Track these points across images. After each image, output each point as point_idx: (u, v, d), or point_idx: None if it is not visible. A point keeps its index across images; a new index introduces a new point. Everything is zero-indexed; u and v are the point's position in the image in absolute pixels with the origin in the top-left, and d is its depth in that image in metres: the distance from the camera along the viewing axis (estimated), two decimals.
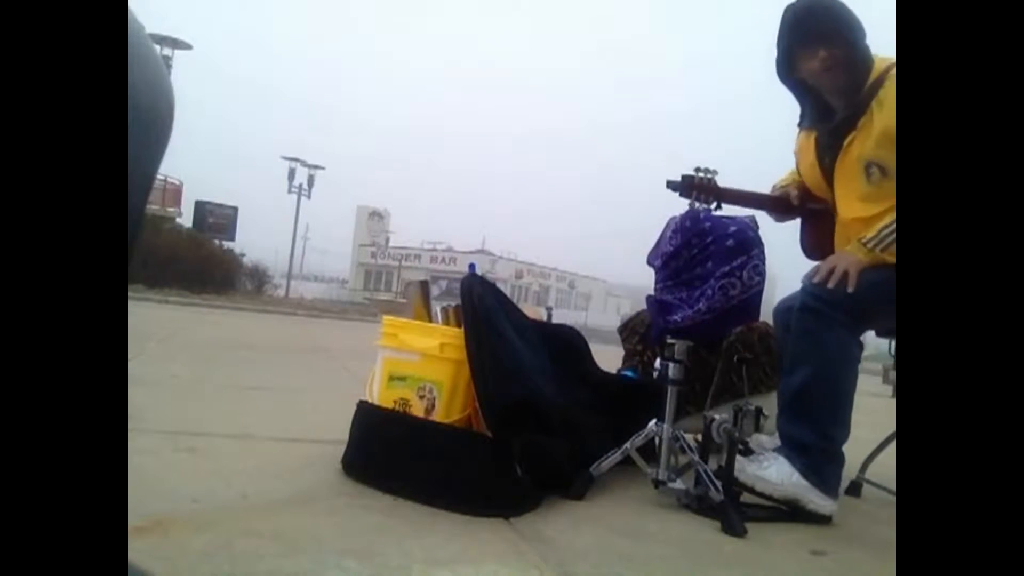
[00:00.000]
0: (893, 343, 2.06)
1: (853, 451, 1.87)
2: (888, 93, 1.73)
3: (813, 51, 1.77)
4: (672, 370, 1.75)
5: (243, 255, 21.45)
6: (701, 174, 1.85)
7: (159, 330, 5.82)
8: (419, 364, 1.75)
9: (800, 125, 1.98)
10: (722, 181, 1.85)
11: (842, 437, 1.76)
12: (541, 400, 1.74)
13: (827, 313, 1.71)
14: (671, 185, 1.87)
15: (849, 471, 1.96)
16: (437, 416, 1.70)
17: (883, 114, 1.73)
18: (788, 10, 1.81)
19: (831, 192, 1.90)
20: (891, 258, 1.68)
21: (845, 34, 1.75)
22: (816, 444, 1.72)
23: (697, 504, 1.68)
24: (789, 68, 1.84)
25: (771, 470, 1.72)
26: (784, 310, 1.92)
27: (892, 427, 1.95)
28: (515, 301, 2.01)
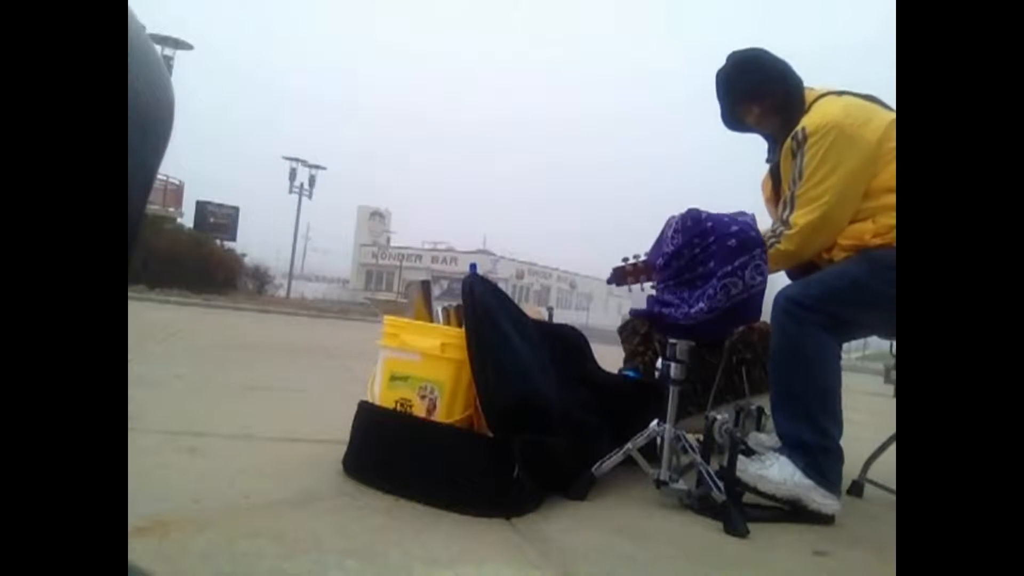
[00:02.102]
0: (894, 343, 2.06)
1: (855, 451, 1.87)
2: (807, 119, 1.89)
3: (747, 108, 2.01)
4: (673, 370, 1.75)
5: (244, 255, 21.43)
6: (632, 261, 2.05)
7: (160, 330, 5.82)
8: (420, 364, 1.74)
9: (767, 161, 2.14)
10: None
11: (837, 431, 1.79)
12: (542, 400, 1.74)
13: (802, 316, 1.79)
14: (610, 281, 2.10)
15: (851, 471, 1.96)
16: (438, 416, 1.69)
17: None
18: (718, 75, 2.07)
19: None
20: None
21: (770, 87, 2.00)
22: (815, 441, 1.75)
23: (699, 505, 1.68)
24: (735, 122, 2.10)
25: (773, 469, 1.73)
26: None
27: (894, 427, 1.95)
28: (516, 301, 2.01)
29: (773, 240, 1.86)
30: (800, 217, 1.83)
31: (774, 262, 1.86)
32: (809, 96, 1.98)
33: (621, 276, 2.02)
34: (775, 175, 2.04)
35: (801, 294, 1.82)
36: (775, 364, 1.85)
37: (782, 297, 1.85)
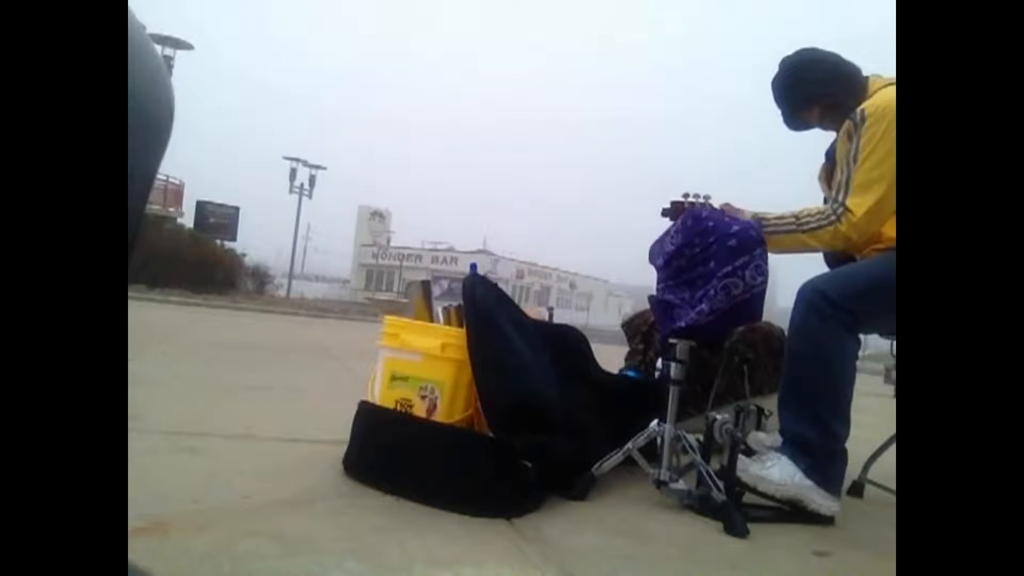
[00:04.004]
0: (894, 343, 2.06)
1: (855, 451, 1.87)
2: (868, 102, 1.88)
3: (807, 110, 2.06)
4: (674, 370, 1.74)
5: (244, 255, 21.42)
6: (691, 199, 1.95)
7: (160, 330, 5.83)
8: (421, 364, 1.74)
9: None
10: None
11: (844, 434, 1.77)
12: (542, 400, 1.74)
13: (826, 311, 1.74)
14: (665, 213, 2.00)
15: (851, 472, 1.96)
16: (439, 416, 1.69)
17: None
18: (773, 83, 2.08)
19: None
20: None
21: (826, 86, 2.01)
22: (819, 442, 1.73)
23: (699, 505, 1.67)
24: (797, 124, 2.10)
25: (774, 470, 1.72)
26: None
27: (894, 427, 1.95)
28: (516, 301, 2.01)
29: (832, 218, 1.84)
30: (858, 205, 1.80)
31: (830, 239, 1.85)
32: (875, 84, 1.97)
33: (679, 211, 1.96)
34: (830, 156, 2.03)
35: (829, 288, 1.77)
36: (791, 359, 1.81)
37: (808, 289, 1.79)
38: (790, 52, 2.08)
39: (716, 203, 1.97)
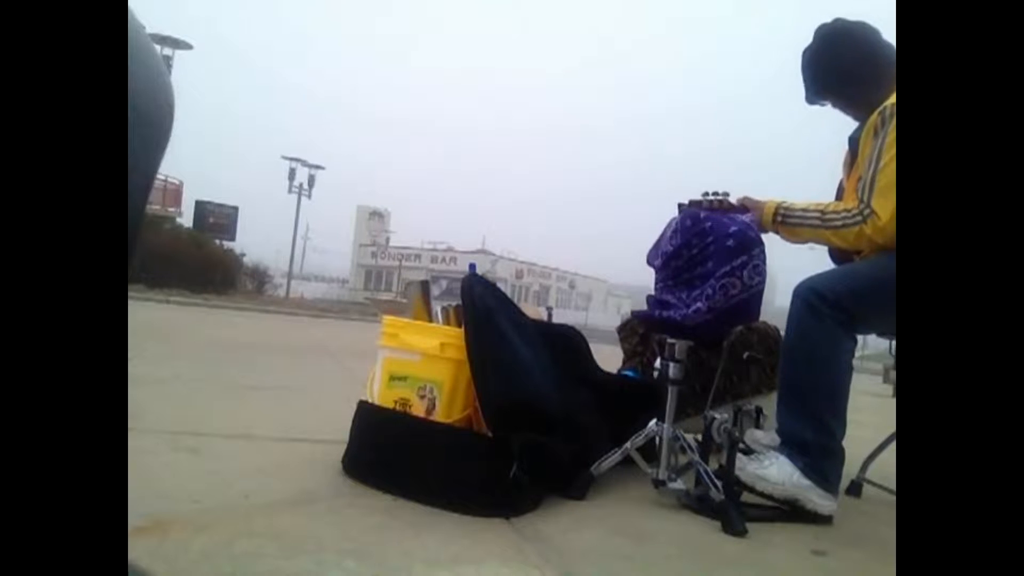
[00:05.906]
0: (893, 343, 2.06)
1: (854, 451, 1.87)
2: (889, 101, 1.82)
3: (834, 94, 1.99)
4: (672, 370, 1.75)
5: (243, 255, 21.41)
6: (711, 198, 1.92)
7: (160, 330, 5.82)
8: (419, 364, 1.74)
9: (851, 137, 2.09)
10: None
11: (841, 432, 1.77)
12: (541, 400, 1.74)
13: (822, 310, 1.74)
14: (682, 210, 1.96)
15: (850, 471, 1.97)
16: (438, 416, 1.70)
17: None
18: (804, 54, 2.00)
19: None
20: (785, 232, 1.92)
21: (859, 72, 1.93)
22: (816, 441, 1.73)
23: (698, 504, 1.68)
24: (816, 101, 2.03)
25: (772, 469, 1.72)
26: None
27: (893, 427, 1.95)
28: (515, 301, 2.01)
29: (859, 219, 1.79)
30: (884, 208, 1.75)
31: (855, 239, 1.81)
32: None
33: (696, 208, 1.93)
34: (853, 145, 1.98)
35: (825, 287, 1.76)
36: (787, 359, 1.80)
37: (805, 288, 1.78)
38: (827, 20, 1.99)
39: (734, 199, 1.94)
